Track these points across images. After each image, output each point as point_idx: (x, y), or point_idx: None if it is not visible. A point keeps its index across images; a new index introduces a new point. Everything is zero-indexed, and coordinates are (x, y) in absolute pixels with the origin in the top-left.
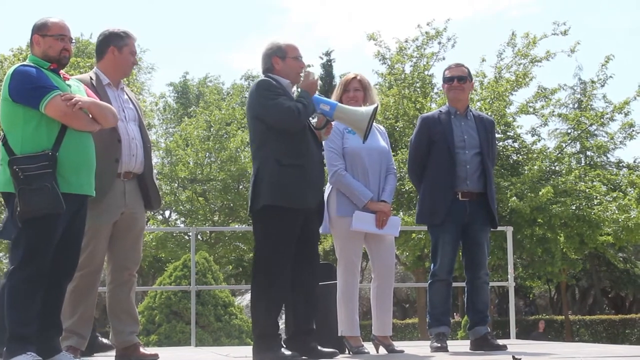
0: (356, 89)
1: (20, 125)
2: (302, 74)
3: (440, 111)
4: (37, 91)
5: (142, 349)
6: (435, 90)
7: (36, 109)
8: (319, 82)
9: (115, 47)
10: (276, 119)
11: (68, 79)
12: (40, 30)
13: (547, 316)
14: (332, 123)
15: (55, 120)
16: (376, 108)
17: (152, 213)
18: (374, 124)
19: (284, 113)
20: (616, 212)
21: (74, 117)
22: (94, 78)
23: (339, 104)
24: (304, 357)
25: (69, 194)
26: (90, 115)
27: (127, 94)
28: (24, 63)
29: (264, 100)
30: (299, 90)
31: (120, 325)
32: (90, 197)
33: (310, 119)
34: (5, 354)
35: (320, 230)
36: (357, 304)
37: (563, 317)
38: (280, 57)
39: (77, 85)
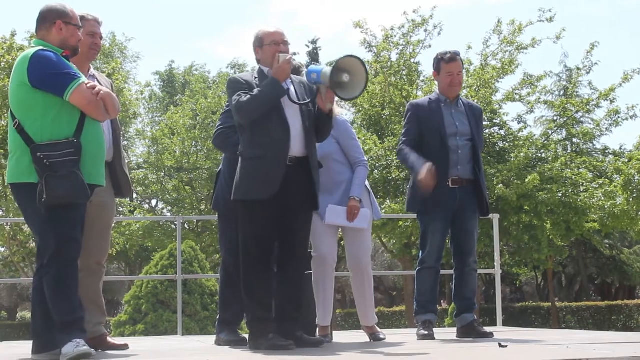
0: None
1: (40, 112)
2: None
3: (430, 99)
4: (62, 77)
5: (110, 339)
6: (422, 78)
7: (60, 96)
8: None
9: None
10: (235, 117)
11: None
12: (63, 17)
13: (534, 303)
14: (328, 89)
15: (75, 109)
16: (351, 56)
17: (139, 202)
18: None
19: (234, 110)
20: (602, 198)
21: (95, 106)
22: None
23: (325, 67)
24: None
25: (88, 184)
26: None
27: (97, 79)
28: (41, 48)
29: (228, 99)
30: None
31: (87, 315)
32: None
33: (308, 94)
34: (57, 345)
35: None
36: (330, 295)
37: (550, 303)
38: (258, 47)
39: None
